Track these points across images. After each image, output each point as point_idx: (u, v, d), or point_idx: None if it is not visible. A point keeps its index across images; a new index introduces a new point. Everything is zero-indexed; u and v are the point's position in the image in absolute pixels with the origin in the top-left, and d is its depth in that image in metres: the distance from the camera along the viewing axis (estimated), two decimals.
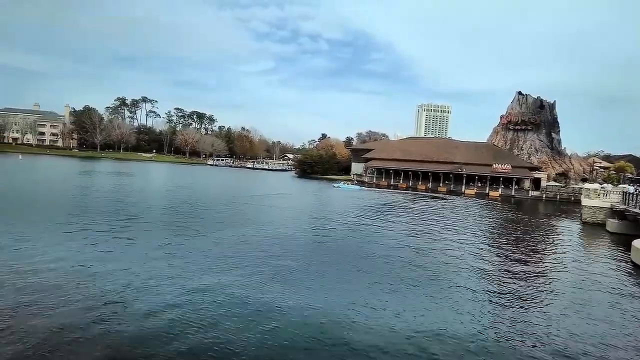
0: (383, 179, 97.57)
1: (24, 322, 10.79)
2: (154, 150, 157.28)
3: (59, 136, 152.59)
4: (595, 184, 50.31)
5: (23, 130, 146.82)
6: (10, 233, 20.21)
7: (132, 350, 9.85)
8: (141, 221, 26.46)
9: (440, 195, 75.83)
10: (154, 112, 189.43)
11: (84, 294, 13.04)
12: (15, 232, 20.41)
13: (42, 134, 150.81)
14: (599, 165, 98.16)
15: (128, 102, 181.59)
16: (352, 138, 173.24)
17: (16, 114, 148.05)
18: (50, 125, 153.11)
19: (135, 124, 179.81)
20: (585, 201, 44.01)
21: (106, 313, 11.71)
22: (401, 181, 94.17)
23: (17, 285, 13.33)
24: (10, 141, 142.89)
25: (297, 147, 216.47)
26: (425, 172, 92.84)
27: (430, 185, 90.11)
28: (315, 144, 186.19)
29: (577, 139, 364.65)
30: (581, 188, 55.69)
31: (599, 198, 42.80)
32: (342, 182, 79.64)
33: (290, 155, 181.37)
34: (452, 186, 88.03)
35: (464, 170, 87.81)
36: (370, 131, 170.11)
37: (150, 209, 32.13)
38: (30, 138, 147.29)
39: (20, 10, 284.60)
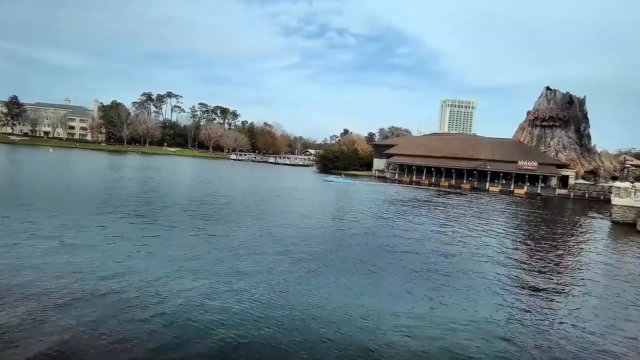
0: (405, 175, 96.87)
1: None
2: (165, 144, 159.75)
3: (88, 130, 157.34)
4: (626, 182, 48.68)
5: (54, 124, 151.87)
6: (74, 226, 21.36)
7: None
8: (180, 213, 27.54)
9: (464, 192, 74.70)
10: (179, 107, 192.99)
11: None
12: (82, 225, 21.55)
13: (72, 128, 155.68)
14: (631, 163, 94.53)
15: (154, 97, 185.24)
16: (374, 134, 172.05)
17: (47, 109, 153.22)
18: (80, 120, 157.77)
19: (161, 118, 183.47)
20: (615, 200, 42.79)
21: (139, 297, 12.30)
22: (424, 177, 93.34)
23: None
24: (42, 135, 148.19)
25: (319, 143, 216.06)
26: (448, 169, 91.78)
27: (453, 181, 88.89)
28: (337, 139, 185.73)
29: (608, 136, 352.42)
30: (611, 186, 54.00)
31: (630, 197, 41.51)
32: (334, 176, 79.40)
33: (312, 151, 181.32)
34: (475, 183, 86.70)
35: (488, 166, 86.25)
36: (392, 127, 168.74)
37: (186, 202, 33.48)
38: (60, 132, 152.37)
39: (51, 10, 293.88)
